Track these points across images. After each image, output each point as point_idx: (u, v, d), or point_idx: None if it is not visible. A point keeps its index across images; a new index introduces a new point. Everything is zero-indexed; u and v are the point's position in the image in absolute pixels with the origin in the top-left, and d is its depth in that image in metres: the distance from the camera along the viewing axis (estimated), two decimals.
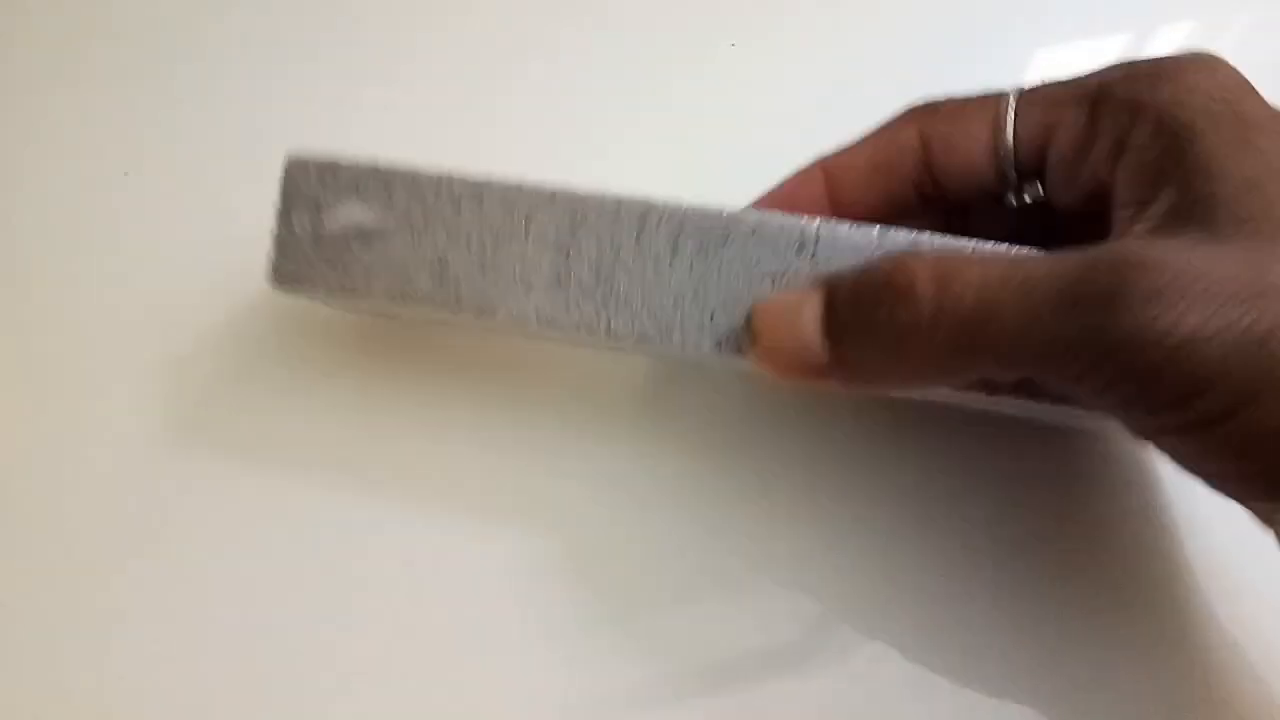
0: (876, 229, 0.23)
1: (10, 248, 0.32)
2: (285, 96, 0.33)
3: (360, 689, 0.27)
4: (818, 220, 0.23)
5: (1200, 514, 0.27)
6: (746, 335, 0.23)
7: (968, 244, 0.22)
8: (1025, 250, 0.21)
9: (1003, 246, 0.22)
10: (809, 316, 0.22)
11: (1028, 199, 0.24)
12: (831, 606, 0.27)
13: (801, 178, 0.25)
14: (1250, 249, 0.18)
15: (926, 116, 0.24)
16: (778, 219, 0.23)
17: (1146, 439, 0.21)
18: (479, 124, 0.32)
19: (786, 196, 0.25)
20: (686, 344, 0.23)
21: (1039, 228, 0.24)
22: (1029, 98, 0.23)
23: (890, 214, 0.25)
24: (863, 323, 0.21)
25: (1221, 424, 0.18)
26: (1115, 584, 0.27)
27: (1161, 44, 0.33)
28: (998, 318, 0.19)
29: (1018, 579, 0.27)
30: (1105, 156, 0.22)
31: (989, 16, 0.34)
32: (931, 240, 0.22)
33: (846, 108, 0.32)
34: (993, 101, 0.23)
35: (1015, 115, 0.23)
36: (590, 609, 0.27)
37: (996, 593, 0.27)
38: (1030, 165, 0.23)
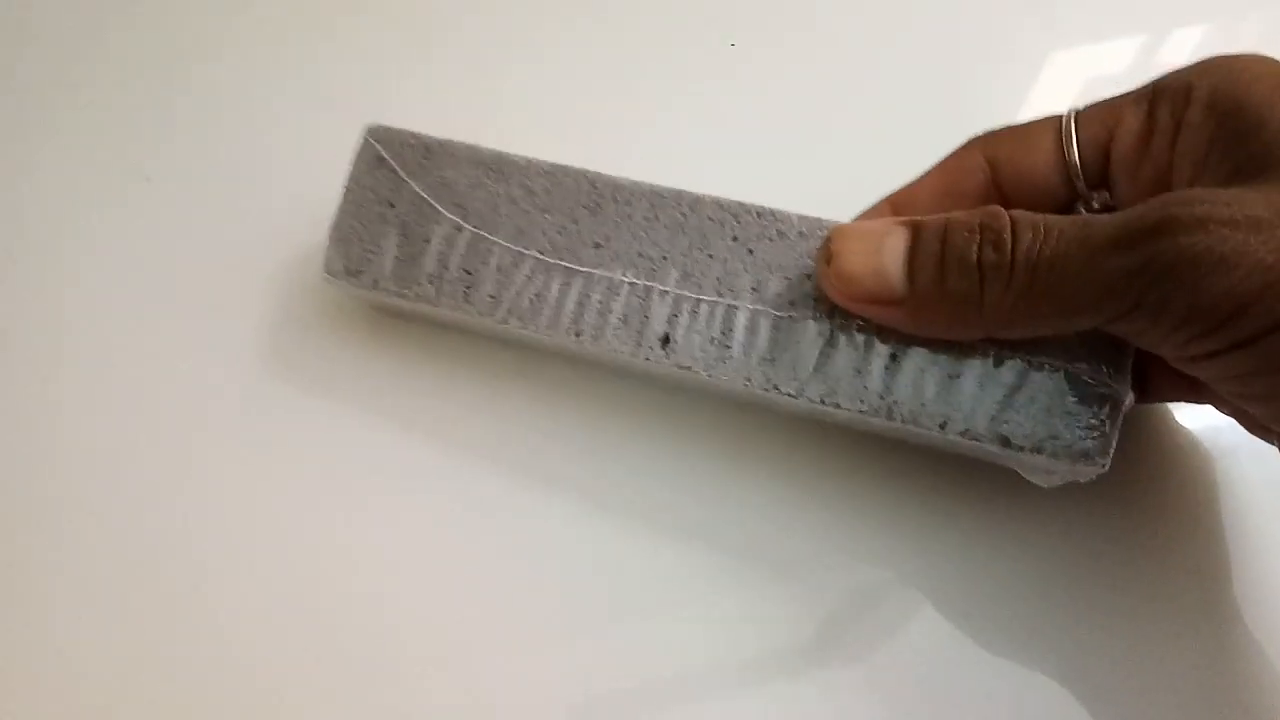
0: None
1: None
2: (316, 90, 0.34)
3: (395, 677, 0.27)
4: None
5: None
6: (822, 255, 0.24)
7: None
8: None
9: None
10: (893, 246, 0.22)
11: (1096, 205, 0.25)
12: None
13: (870, 215, 0.26)
14: None
15: (989, 141, 0.25)
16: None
17: (1195, 369, 0.21)
18: (476, 124, 0.32)
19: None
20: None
21: None
22: (1088, 111, 0.24)
23: None
24: (948, 260, 0.22)
25: (1261, 340, 0.19)
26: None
27: (1176, 47, 0.34)
28: (1065, 264, 0.20)
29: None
30: (1165, 145, 0.23)
31: (1000, 18, 0.35)
32: None
33: (846, 108, 0.33)
34: (1053, 120, 0.24)
35: (1077, 126, 0.24)
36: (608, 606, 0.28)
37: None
38: (1096, 172, 0.24)
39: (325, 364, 0.30)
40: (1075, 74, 0.34)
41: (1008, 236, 0.21)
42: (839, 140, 0.33)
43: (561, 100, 0.34)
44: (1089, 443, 0.24)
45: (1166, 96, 0.23)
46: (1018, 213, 0.22)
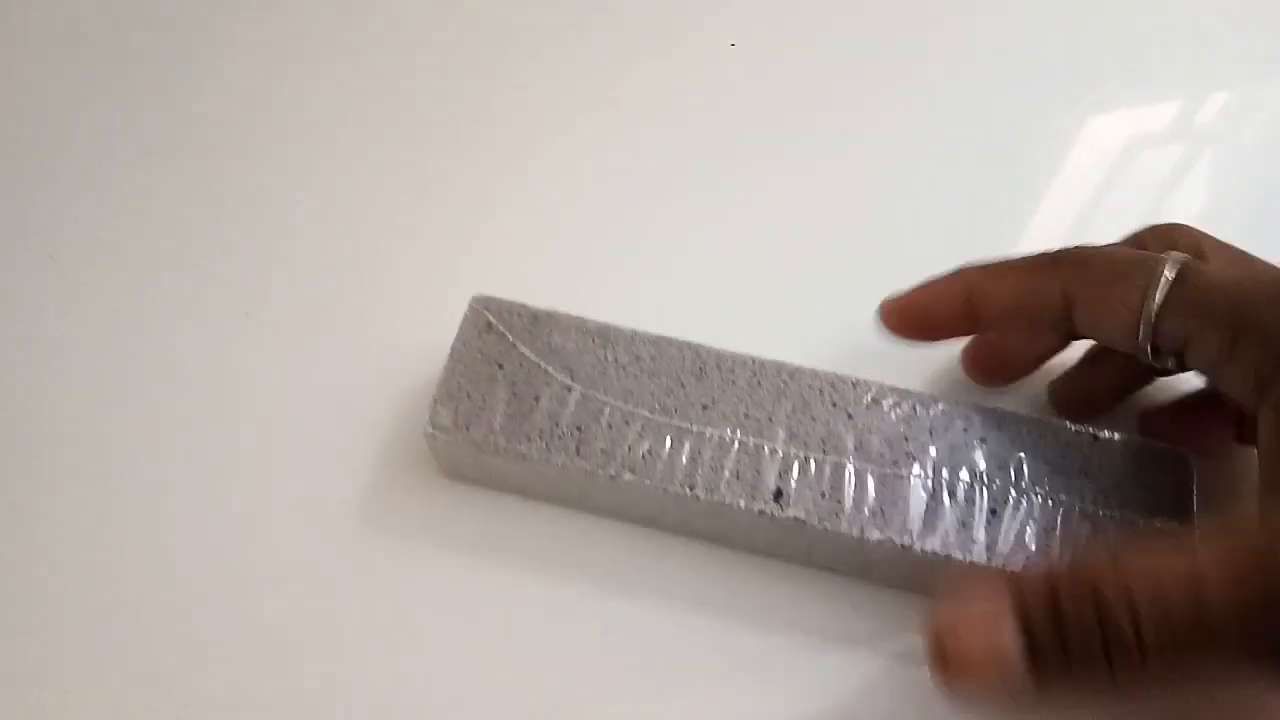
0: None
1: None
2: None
3: None
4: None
5: None
6: (930, 647, 0.22)
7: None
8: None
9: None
10: (1008, 641, 0.21)
11: (1158, 365, 0.26)
12: None
13: (944, 289, 0.28)
14: None
15: (1075, 274, 0.25)
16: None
17: None
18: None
19: (925, 303, 0.28)
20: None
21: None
22: (1176, 299, 0.24)
23: (1025, 342, 0.29)
24: (1071, 650, 0.20)
25: None
26: None
27: (1208, 109, 0.37)
28: (1189, 635, 0.20)
29: None
30: (1246, 386, 0.23)
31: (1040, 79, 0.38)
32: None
33: (846, 108, 0.36)
34: (1140, 281, 0.24)
35: (1158, 314, 0.24)
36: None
37: None
38: (1171, 351, 0.25)
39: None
40: (1111, 135, 0.37)
41: (1126, 620, 0.20)
42: (838, 141, 0.36)
43: (560, 101, 0.36)
44: None
45: (1251, 340, 0.23)
46: (1126, 574, 0.21)
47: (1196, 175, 0.37)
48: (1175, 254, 0.25)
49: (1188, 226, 0.28)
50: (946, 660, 0.21)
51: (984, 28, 0.40)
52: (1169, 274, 0.24)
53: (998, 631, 0.21)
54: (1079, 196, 0.36)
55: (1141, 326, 0.25)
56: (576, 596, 0.29)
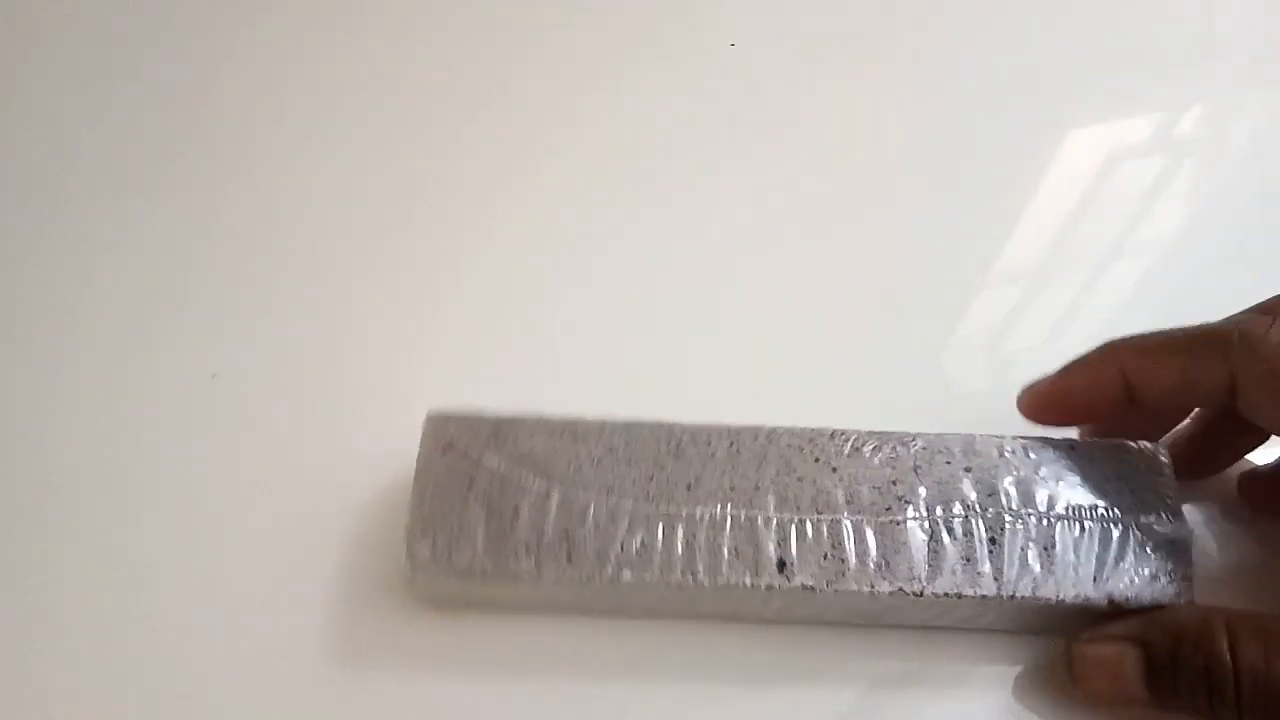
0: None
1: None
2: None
3: None
4: None
5: None
6: (1068, 673, 0.27)
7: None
8: None
9: None
10: (1130, 673, 0.25)
11: None
12: None
13: (1097, 373, 0.27)
14: None
15: (1244, 359, 0.25)
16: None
17: None
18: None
19: (1078, 390, 0.28)
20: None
21: None
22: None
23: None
24: (1181, 683, 0.24)
25: None
26: None
27: (1188, 121, 0.38)
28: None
29: None
30: None
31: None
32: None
33: (846, 109, 0.36)
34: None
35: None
36: None
37: None
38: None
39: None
40: (1093, 149, 0.38)
41: (1232, 663, 0.24)
42: (840, 140, 0.35)
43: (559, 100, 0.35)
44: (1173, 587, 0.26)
45: None
46: (1242, 628, 0.24)
47: (1177, 187, 0.38)
48: None
49: None
50: (1076, 681, 0.26)
51: (964, 44, 0.41)
52: None
53: (1123, 663, 0.25)
54: (1061, 210, 0.37)
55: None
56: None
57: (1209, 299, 0.27)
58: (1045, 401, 0.28)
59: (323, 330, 0.34)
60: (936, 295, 0.34)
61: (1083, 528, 0.27)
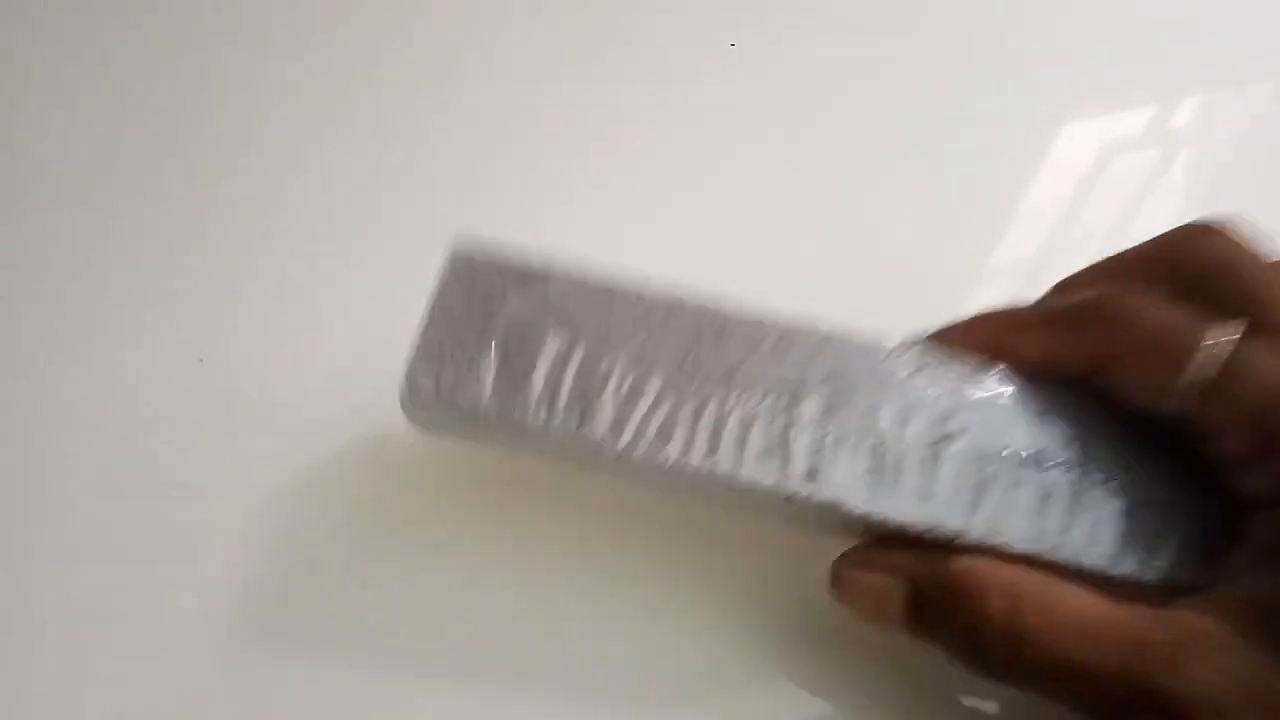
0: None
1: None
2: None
3: None
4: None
5: None
6: (831, 585, 0.25)
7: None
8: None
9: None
10: (894, 608, 0.23)
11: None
12: None
13: (960, 343, 0.26)
14: None
15: (1105, 338, 0.24)
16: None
17: None
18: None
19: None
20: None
21: None
22: (1217, 393, 0.23)
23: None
24: (939, 624, 0.23)
25: None
26: None
27: (1183, 113, 0.37)
28: (1066, 660, 0.21)
29: None
30: (1261, 486, 0.22)
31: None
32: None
33: (844, 109, 0.35)
34: (1178, 359, 0.23)
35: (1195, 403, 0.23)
36: None
37: None
38: (1191, 433, 0.23)
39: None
40: (1085, 140, 0.36)
41: (991, 610, 0.22)
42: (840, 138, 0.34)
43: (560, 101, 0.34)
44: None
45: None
46: (1010, 582, 0.22)
47: (1172, 179, 0.37)
48: (1223, 335, 0.23)
49: (1223, 236, 0.25)
50: (838, 599, 0.25)
51: (957, 37, 0.39)
52: (1212, 370, 0.22)
53: (890, 599, 0.23)
54: (1054, 202, 0.35)
55: (1172, 406, 0.23)
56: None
57: None
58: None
59: (309, 315, 0.32)
60: (929, 289, 0.32)
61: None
